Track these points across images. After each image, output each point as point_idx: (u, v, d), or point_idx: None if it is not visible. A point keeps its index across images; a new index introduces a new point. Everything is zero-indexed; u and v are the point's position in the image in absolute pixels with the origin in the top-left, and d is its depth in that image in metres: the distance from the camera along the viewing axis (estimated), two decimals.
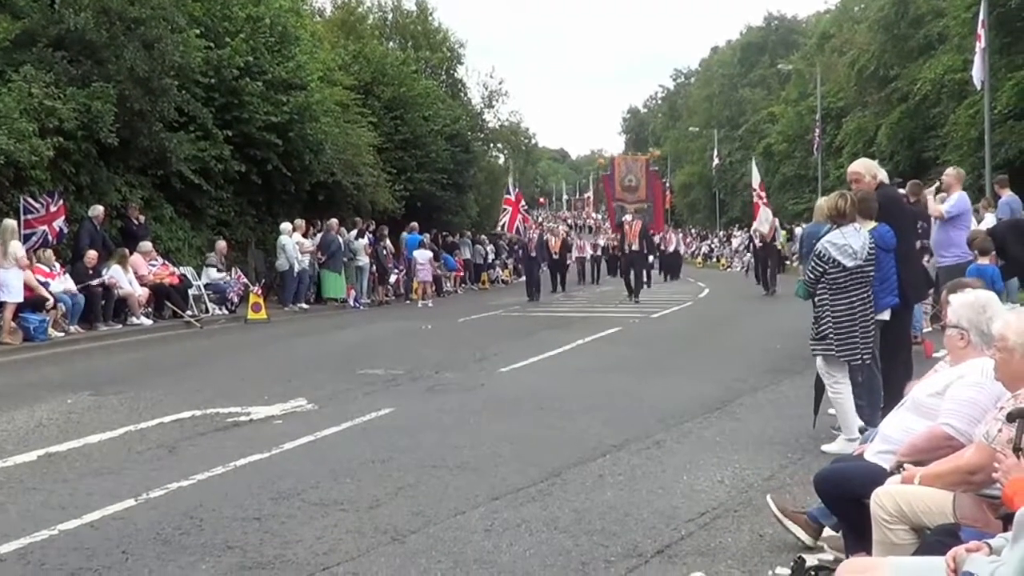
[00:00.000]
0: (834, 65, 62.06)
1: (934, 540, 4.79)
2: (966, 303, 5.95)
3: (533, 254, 35.91)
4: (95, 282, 21.68)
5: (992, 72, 31.50)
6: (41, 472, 9.15)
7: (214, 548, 6.91)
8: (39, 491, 8.48)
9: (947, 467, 5.23)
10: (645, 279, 38.98)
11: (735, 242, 62.45)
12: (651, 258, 33.80)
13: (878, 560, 4.76)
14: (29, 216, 21.26)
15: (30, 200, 21.30)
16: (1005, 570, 3.73)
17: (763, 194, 35.70)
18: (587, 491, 8.33)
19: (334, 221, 30.79)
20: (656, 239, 51.16)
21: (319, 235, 30.38)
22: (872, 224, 9.76)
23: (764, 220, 34.54)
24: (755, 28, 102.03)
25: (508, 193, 40.36)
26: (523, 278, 46.74)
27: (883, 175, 10.90)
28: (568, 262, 43.85)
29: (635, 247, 32.50)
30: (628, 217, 35.30)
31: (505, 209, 39.71)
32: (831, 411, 9.91)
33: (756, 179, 36.45)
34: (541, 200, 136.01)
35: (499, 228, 42.03)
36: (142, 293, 23.09)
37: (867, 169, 10.79)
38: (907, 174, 31.45)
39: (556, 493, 8.27)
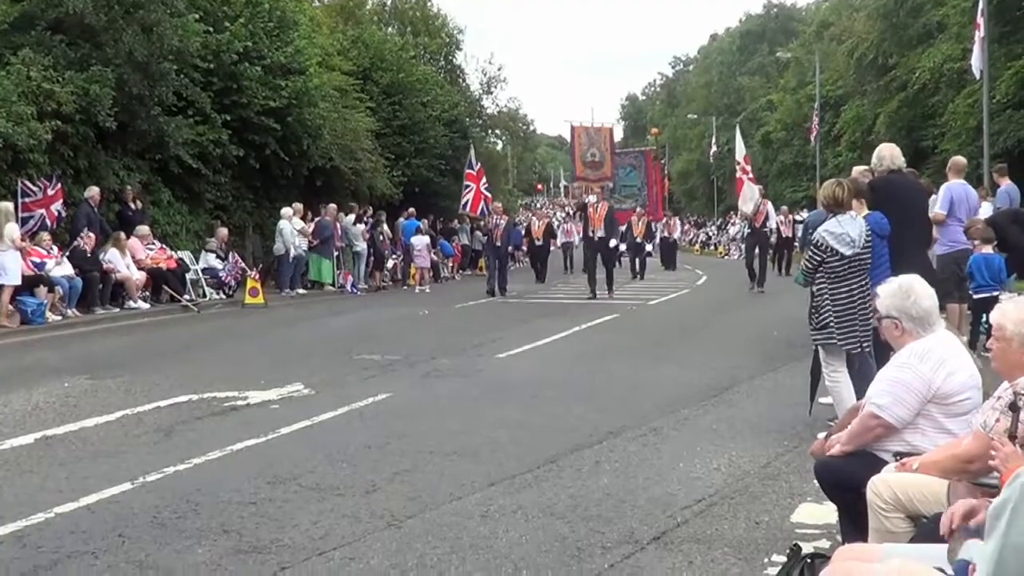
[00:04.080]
0: (833, 53, 61.89)
1: (931, 528, 4.79)
2: (890, 292, 6.01)
3: (498, 243, 30.64)
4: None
5: (991, 61, 31.43)
6: (38, 455, 9.16)
7: (210, 532, 6.93)
8: (36, 474, 8.49)
9: (944, 455, 5.25)
10: (639, 268, 38.51)
11: (732, 230, 62.28)
12: (614, 243, 29.33)
13: (874, 546, 4.77)
14: (27, 199, 21.27)
15: (28, 183, 21.30)
16: (980, 563, 3.73)
17: (748, 167, 32.92)
18: (583, 478, 8.34)
19: (331, 207, 30.75)
20: (657, 227, 50.33)
21: (316, 220, 30.32)
22: (865, 211, 9.79)
23: (748, 198, 32.58)
24: (754, 16, 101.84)
25: (470, 167, 34.84)
26: (517, 265, 45.85)
27: (888, 163, 10.89)
28: (552, 248, 41.51)
29: (600, 234, 27.95)
30: (592, 199, 30.69)
31: (468, 186, 34.69)
32: (823, 400, 9.92)
33: (740, 151, 33.83)
34: (539, 187, 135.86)
35: (462, 208, 36.54)
36: (139, 277, 23.09)
37: (876, 156, 10.88)
38: (905, 162, 31.29)
39: (552, 479, 8.28)
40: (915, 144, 43.94)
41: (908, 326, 5.89)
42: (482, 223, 37.00)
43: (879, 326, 6.24)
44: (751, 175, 33.05)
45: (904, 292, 5.94)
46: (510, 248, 43.76)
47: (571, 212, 62.37)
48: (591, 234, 28.25)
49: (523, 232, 44.19)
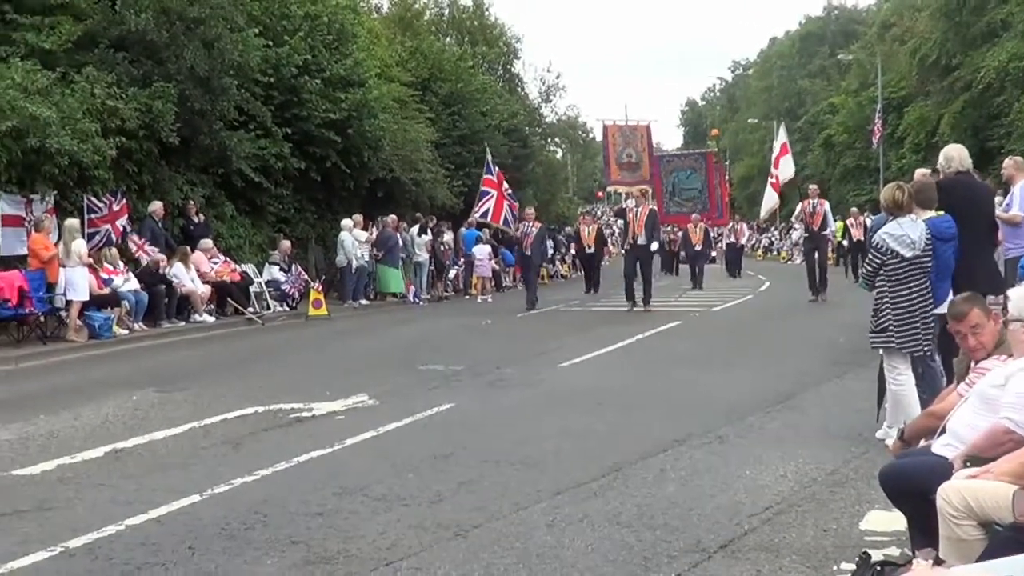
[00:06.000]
0: (895, 54, 61.28)
1: (1005, 536, 4.73)
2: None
3: (528, 252, 28.53)
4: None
5: None
6: (108, 468, 9.26)
7: (278, 543, 6.98)
8: (106, 487, 8.58)
9: (1018, 461, 5.16)
10: (698, 276, 36.95)
11: (795, 234, 61.72)
12: (655, 246, 26.29)
13: (945, 570, 4.71)
14: (93, 215, 21.53)
15: (93, 199, 21.57)
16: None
17: (775, 172, 31.32)
18: (649, 486, 8.31)
19: (391, 218, 30.81)
20: (722, 232, 49.58)
21: (376, 231, 30.38)
22: (930, 214, 9.69)
23: (765, 205, 31.53)
24: (814, 18, 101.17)
25: (488, 172, 31.40)
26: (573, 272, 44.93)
27: (957, 164, 10.74)
28: (605, 255, 39.06)
29: (640, 240, 25.76)
30: (631, 203, 28.52)
31: (487, 192, 31.13)
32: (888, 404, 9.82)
33: (776, 150, 31.97)
34: (599, 194, 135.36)
35: (477, 216, 32.48)
36: (204, 290, 23.28)
37: (943, 157, 10.74)
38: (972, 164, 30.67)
39: (618, 488, 8.26)
40: (981, 145, 43.39)
41: None
42: (510, 232, 33.16)
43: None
44: (775, 180, 31.74)
45: None
46: (555, 257, 42.65)
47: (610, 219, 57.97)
48: (631, 240, 26.23)
49: (574, 239, 42.52)
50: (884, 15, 74.46)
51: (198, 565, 6.56)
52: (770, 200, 31.18)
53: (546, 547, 6.79)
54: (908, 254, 9.26)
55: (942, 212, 9.81)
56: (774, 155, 31.55)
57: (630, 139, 39.97)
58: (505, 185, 31.75)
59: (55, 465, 9.36)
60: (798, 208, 29.25)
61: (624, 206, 29.53)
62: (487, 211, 31.17)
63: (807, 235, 28.57)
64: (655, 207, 29.39)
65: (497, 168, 32.05)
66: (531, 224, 28.86)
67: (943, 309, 9.49)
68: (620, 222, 33.19)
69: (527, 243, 28.51)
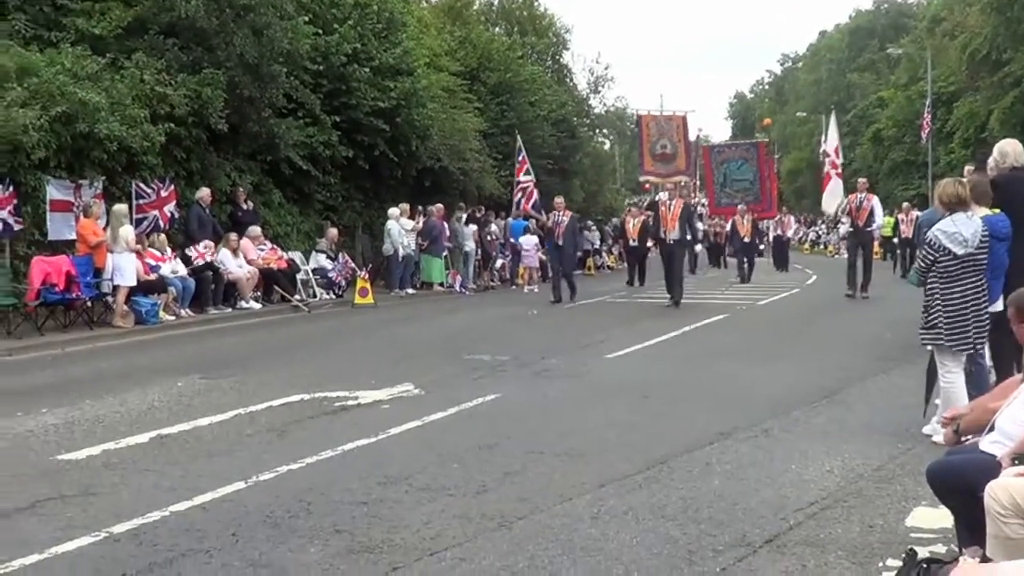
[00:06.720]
0: (945, 49, 60.79)
1: None
2: None
3: (560, 242, 26.98)
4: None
5: None
6: (153, 454, 9.31)
7: (322, 531, 6.98)
8: (151, 472, 8.61)
9: None
10: (747, 271, 36.08)
11: (842, 228, 61.12)
12: (699, 248, 24.01)
13: (992, 567, 4.65)
14: (141, 201, 21.65)
15: (142, 185, 21.71)
16: None
17: (837, 161, 29.83)
18: (694, 479, 8.27)
19: (437, 207, 30.78)
20: (769, 224, 49.12)
21: (422, 219, 30.38)
22: (985, 210, 9.56)
23: (832, 196, 29.33)
24: (864, 12, 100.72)
25: (519, 162, 32.07)
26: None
27: (1012, 160, 10.54)
28: (649, 248, 35.88)
29: (674, 235, 24.51)
30: (664, 196, 27.62)
31: (519, 181, 32.03)
32: (939, 402, 9.71)
33: (832, 141, 30.56)
34: (646, 187, 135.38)
35: (516, 205, 33.05)
36: (251, 271, 23.37)
37: (998, 152, 10.54)
38: None
39: (663, 481, 8.22)
40: None
41: None
42: (539, 219, 31.70)
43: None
44: (840, 170, 30.27)
45: None
46: (601, 249, 42.14)
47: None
48: (663, 236, 25.02)
49: (619, 231, 41.98)
50: (934, 9, 73.86)
51: (242, 552, 6.58)
52: (837, 190, 29.96)
53: (590, 539, 6.77)
54: (960, 252, 9.16)
55: (998, 210, 9.68)
56: (834, 144, 30.56)
57: (665, 130, 38.96)
58: (528, 170, 32.56)
59: (100, 450, 9.43)
60: (844, 202, 28.46)
61: (657, 199, 28.85)
62: (519, 201, 32.13)
63: (852, 230, 27.74)
64: (706, 200, 28.79)
65: (521, 158, 32.74)
66: (562, 213, 27.54)
67: (996, 307, 9.41)
68: (651, 215, 31.79)
69: (558, 233, 27.15)
